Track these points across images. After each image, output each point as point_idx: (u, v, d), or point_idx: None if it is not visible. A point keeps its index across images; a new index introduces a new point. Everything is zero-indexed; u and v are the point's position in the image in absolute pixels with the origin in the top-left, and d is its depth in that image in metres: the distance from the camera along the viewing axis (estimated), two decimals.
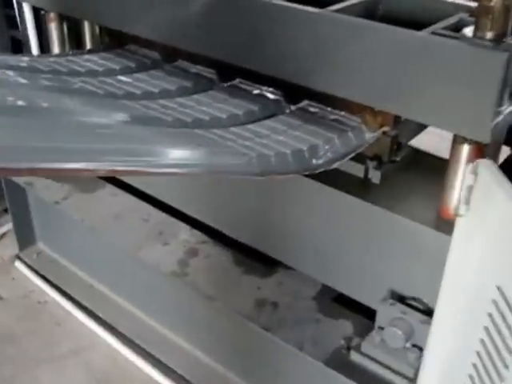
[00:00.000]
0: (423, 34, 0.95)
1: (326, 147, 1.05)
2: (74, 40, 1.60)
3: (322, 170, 1.00)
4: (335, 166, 1.02)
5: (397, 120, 1.10)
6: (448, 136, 1.03)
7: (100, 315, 1.67)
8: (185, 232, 1.52)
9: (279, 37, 1.07)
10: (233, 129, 1.09)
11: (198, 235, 1.52)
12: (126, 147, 0.85)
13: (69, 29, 1.59)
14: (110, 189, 1.68)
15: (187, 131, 1.05)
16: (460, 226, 0.89)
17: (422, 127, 1.22)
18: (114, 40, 1.52)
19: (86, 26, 1.56)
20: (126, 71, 1.33)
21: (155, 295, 1.55)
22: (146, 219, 1.56)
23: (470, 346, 0.85)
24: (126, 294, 1.66)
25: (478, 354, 0.84)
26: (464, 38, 0.92)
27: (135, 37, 1.36)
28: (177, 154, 0.90)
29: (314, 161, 1.01)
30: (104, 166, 0.75)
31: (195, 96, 1.22)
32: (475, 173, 0.84)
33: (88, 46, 1.57)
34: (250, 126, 1.11)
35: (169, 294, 1.50)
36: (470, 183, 0.86)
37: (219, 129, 1.08)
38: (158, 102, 1.15)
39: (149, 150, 0.87)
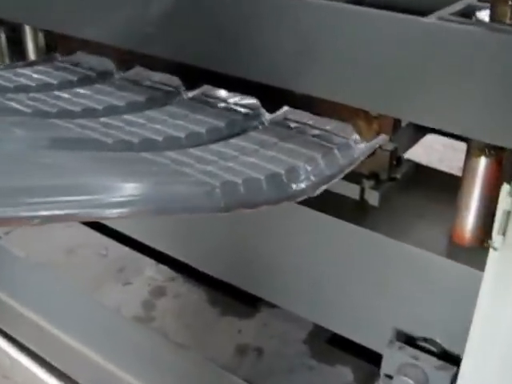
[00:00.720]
0: (432, 20, 0.84)
1: (308, 169, 0.91)
2: (17, 53, 1.47)
3: (304, 197, 0.88)
4: (320, 191, 0.89)
5: (396, 126, 1.00)
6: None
7: (53, 363, 1.51)
8: (150, 268, 1.46)
9: (255, 31, 0.96)
10: (192, 150, 0.93)
11: (165, 271, 1.44)
12: (39, 183, 0.66)
13: (9, 40, 1.47)
14: None
15: (130, 156, 0.88)
16: (493, 261, 0.78)
17: (420, 135, 1.14)
18: (61, 50, 1.38)
19: (28, 35, 1.42)
20: (66, 86, 1.17)
21: (116, 341, 1.40)
22: (103, 254, 1.50)
23: None
24: (82, 338, 1.48)
25: None
26: (480, 24, 0.80)
27: (84, 44, 1.23)
28: (109, 188, 0.71)
29: (293, 186, 0.88)
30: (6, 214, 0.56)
31: (148, 112, 1.06)
32: None
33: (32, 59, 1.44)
34: (213, 147, 0.96)
35: (132, 341, 1.36)
36: (506, 208, 0.74)
37: (174, 151, 0.91)
38: (100, 121, 1.00)
39: (72, 186, 0.68)
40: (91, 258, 1.46)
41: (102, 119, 1.00)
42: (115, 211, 0.69)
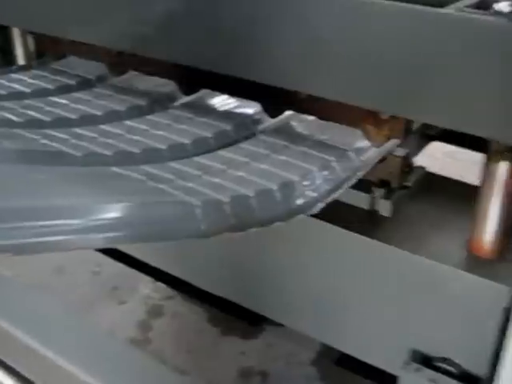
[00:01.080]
0: (451, 11, 0.80)
1: (305, 183, 0.85)
2: (3, 59, 1.45)
3: (300, 215, 0.82)
4: (319, 208, 0.83)
5: (408, 129, 0.97)
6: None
7: None
8: (145, 286, 1.43)
9: (256, 26, 0.92)
10: (173, 164, 0.85)
11: (162, 289, 1.39)
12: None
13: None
14: None
15: (99, 171, 0.80)
16: None
17: (426, 140, 1.14)
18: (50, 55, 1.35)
19: (17, 41, 1.40)
20: (40, 94, 1.11)
21: (110, 365, 1.32)
22: (96, 272, 1.46)
23: None
24: (74, 362, 1.44)
25: None
26: (501, 15, 0.77)
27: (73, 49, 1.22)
28: (67, 211, 0.63)
29: (288, 205, 0.82)
30: None
31: (127, 122, 0.99)
32: None
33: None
34: (197, 159, 0.88)
35: (127, 365, 1.30)
36: None
37: (152, 164, 0.83)
38: (71, 131, 0.92)
39: (25, 209, 0.60)
40: (83, 277, 1.43)
41: (75, 130, 0.93)
42: (75, 241, 0.60)
